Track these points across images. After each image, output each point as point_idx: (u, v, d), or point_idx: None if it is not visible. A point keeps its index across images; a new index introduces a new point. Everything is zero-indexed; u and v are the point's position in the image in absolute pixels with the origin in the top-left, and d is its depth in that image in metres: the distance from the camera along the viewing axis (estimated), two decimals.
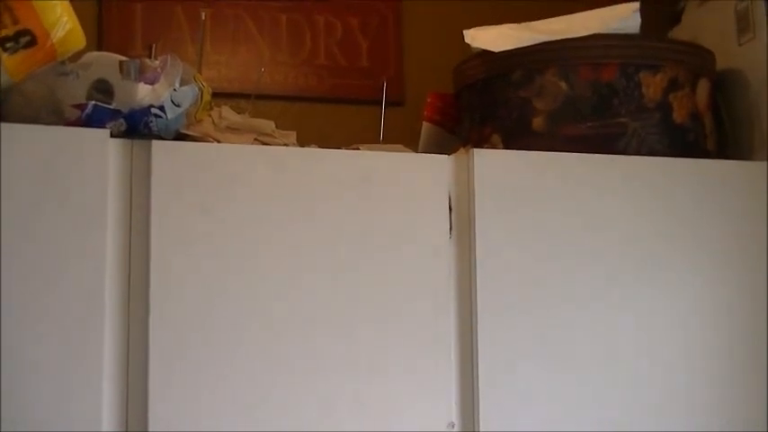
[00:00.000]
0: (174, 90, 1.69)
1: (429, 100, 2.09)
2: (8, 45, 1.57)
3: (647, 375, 1.77)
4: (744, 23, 1.98)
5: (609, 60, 1.85)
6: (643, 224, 1.81)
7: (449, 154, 1.79)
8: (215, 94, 1.90)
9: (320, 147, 1.84)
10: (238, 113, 1.91)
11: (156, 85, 1.67)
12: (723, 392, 1.80)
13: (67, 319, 1.54)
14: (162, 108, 1.67)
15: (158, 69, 1.69)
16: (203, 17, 2.17)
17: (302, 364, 1.64)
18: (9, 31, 1.57)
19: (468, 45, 1.95)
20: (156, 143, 1.63)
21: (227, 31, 2.26)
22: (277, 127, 1.88)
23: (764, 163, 1.91)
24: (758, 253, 1.85)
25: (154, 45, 2.00)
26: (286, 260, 1.66)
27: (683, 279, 1.82)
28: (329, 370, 1.65)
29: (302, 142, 1.89)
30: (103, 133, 1.61)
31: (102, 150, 1.60)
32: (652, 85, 1.86)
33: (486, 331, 1.71)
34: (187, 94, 1.72)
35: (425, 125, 2.08)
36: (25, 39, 1.58)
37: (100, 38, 2.16)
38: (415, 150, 1.99)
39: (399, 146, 1.94)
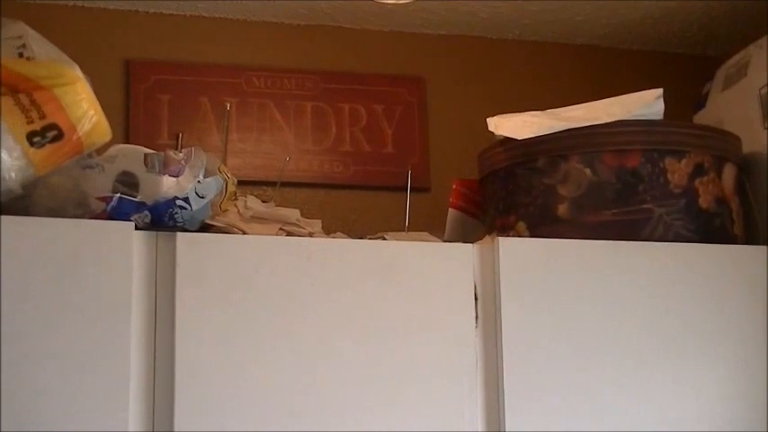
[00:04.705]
0: (199, 182, 1.70)
1: (454, 186, 2.09)
2: (35, 140, 1.58)
3: None
4: None
5: (633, 147, 1.85)
6: (670, 312, 1.79)
7: (475, 240, 1.79)
8: (241, 182, 1.91)
9: (346, 234, 1.84)
10: (264, 201, 1.91)
11: (181, 178, 1.69)
12: None
13: (95, 413, 1.54)
14: (186, 200, 1.68)
15: (182, 162, 1.70)
16: (228, 107, 2.19)
17: None
18: (36, 125, 1.58)
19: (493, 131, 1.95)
20: (180, 235, 1.64)
21: (253, 120, 2.28)
22: (303, 215, 1.88)
23: None
24: None
25: (180, 135, 2.02)
26: (312, 351, 1.65)
27: (707, 369, 1.79)
28: None
29: (328, 230, 1.89)
30: (128, 225, 1.62)
31: (126, 243, 1.60)
32: (677, 171, 1.85)
33: (514, 420, 1.69)
34: (211, 186, 1.73)
35: (451, 212, 2.07)
36: (52, 133, 1.59)
37: (127, 128, 2.18)
38: (442, 237, 1.99)
39: (425, 233, 1.94)
